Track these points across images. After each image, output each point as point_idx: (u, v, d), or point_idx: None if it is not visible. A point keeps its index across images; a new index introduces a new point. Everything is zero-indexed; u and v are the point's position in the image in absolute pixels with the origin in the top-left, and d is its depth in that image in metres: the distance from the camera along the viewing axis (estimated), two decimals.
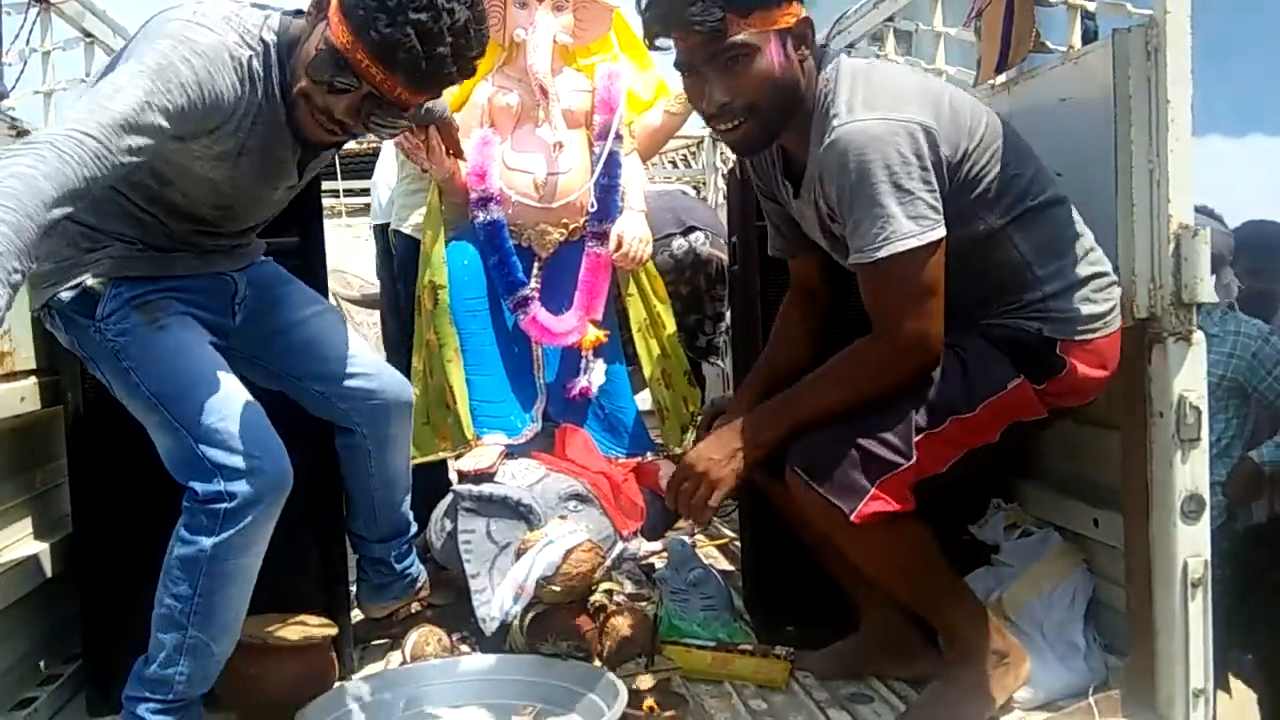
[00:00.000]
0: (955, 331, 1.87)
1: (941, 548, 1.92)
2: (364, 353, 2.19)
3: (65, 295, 1.86)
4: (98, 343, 1.87)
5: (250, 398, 1.89)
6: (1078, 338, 1.87)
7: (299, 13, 1.85)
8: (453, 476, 2.71)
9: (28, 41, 2.41)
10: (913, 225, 1.76)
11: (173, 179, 1.84)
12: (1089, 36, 2.20)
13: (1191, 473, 1.84)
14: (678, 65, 1.91)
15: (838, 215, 1.86)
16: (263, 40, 1.79)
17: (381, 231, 3.24)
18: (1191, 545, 1.84)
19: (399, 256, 2.96)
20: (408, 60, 1.67)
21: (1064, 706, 1.94)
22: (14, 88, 2.30)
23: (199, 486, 1.80)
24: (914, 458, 1.83)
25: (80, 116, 1.54)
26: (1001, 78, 2.40)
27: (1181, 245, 1.83)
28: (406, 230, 2.88)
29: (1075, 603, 2.06)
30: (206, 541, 1.79)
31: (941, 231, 1.78)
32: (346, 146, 2.36)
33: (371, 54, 1.68)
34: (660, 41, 1.90)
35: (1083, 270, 1.89)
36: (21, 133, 2.25)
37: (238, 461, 1.80)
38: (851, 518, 1.81)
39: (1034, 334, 1.87)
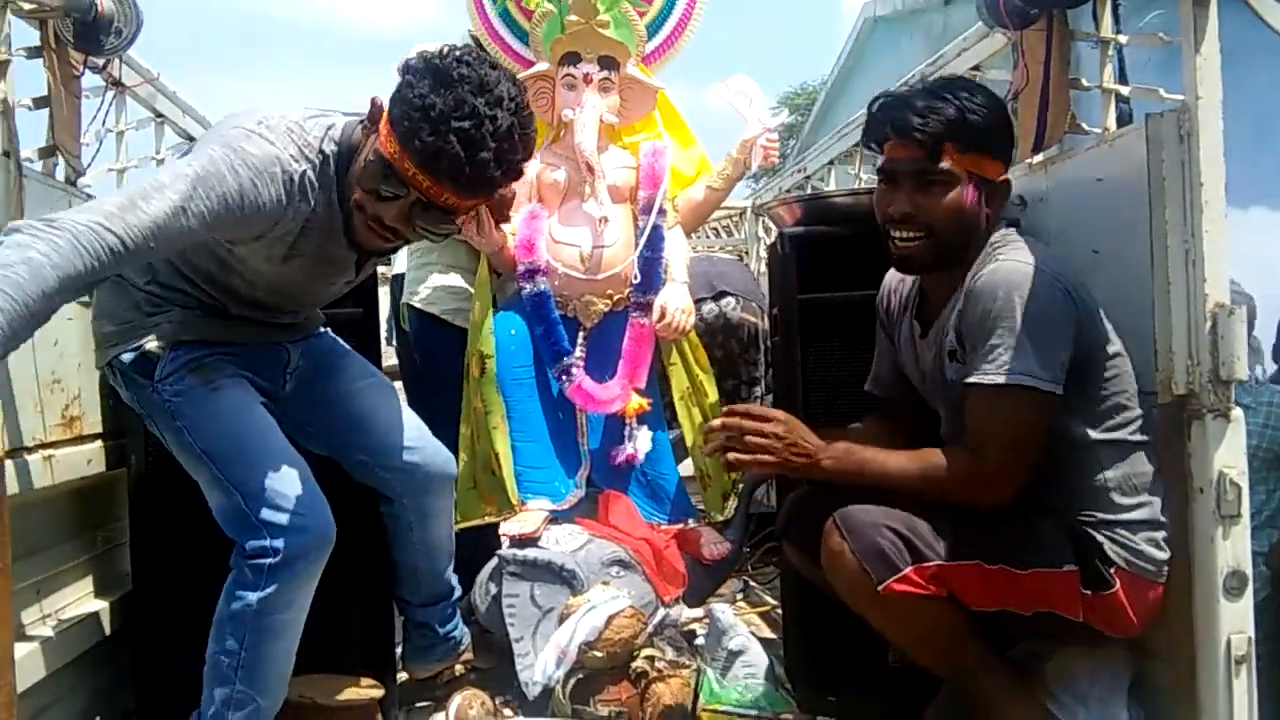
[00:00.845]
0: (1031, 503, 1.91)
1: (973, 623, 1.92)
2: (411, 426, 2.24)
3: (126, 357, 1.96)
4: (155, 402, 1.96)
5: (297, 457, 1.97)
6: (1136, 571, 1.90)
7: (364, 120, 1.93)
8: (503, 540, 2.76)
9: (104, 123, 2.54)
10: (1042, 370, 1.83)
11: (234, 266, 1.94)
12: (1123, 119, 2.25)
13: (1233, 549, 1.84)
14: (881, 169, 2.01)
15: (967, 342, 1.91)
16: (322, 152, 1.86)
17: (394, 305, 3.34)
18: (1235, 622, 1.83)
19: (412, 331, 3.04)
20: (452, 167, 1.72)
21: None
22: (90, 166, 2.42)
23: (247, 542, 1.88)
24: (953, 568, 1.86)
25: (113, 209, 1.59)
26: (1039, 157, 2.45)
27: (1218, 323, 1.85)
28: (418, 305, 2.95)
29: (1118, 679, 2.05)
30: (252, 597, 1.86)
31: (1058, 391, 1.84)
32: None
33: (417, 162, 1.74)
34: (876, 144, 2.00)
35: (1153, 514, 1.93)
36: None
37: (283, 519, 1.88)
38: (878, 588, 1.84)
39: (1098, 546, 1.90)
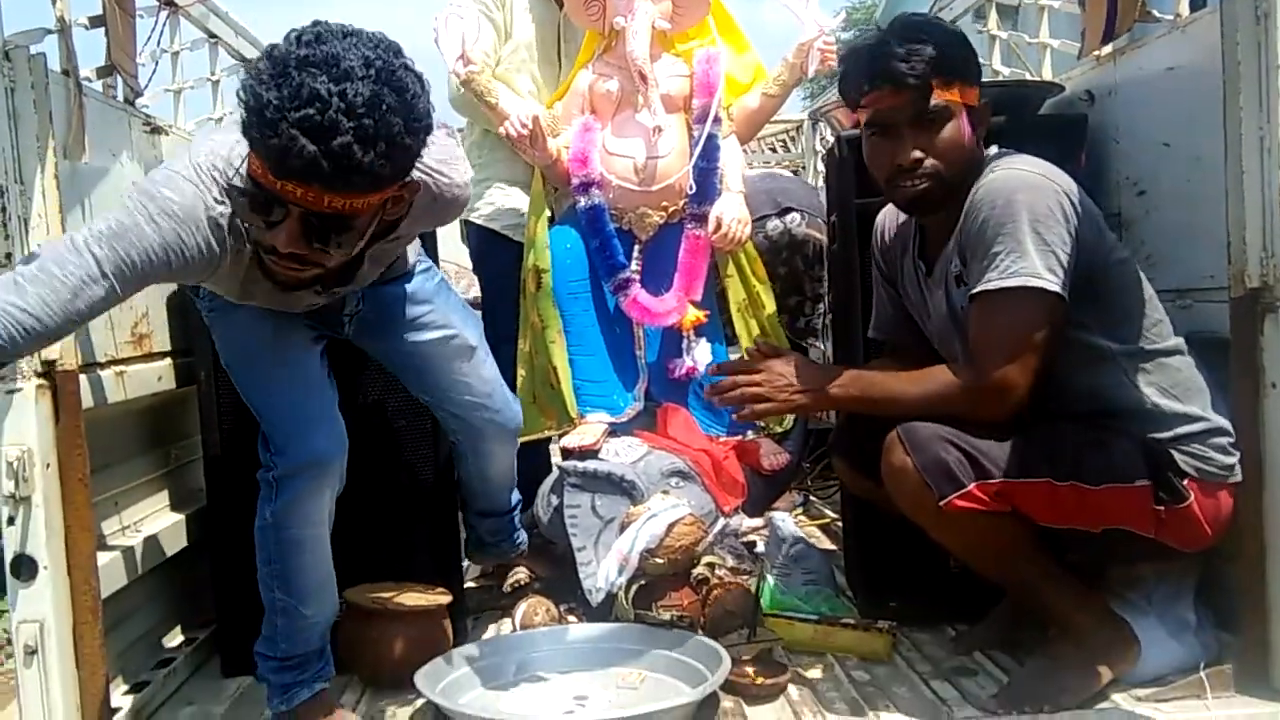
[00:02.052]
0: (1089, 410, 1.89)
1: (1036, 537, 1.90)
2: (479, 382, 2.20)
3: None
4: (203, 318, 2.04)
5: (305, 374, 1.99)
6: (1206, 478, 1.86)
7: None
8: (554, 456, 2.79)
9: (159, 43, 2.55)
10: (1044, 270, 1.79)
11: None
12: (1197, 4, 2.16)
13: None
14: (870, 123, 1.97)
15: (969, 257, 1.88)
16: (237, 188, 1.60)
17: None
18: None
19: (472, 246, 3.04)
20: (307, 164, 1.43)
21: (1174, 682, 1.91)
22: (147, 86, 2.44)
23: (260, 454, 1.95)
24: (1020, 485, 1.84)
25: (22, 281, 1.48)
26: (1108, 48, 2.37)
27: None
28: (478, 221, 2.95)
29: (1185, 579, 2.02)
30: (268, 512, 1.94)
31: (1063, 296, 1.80)
32: None
33: (273, 170, 1.47)
34: (863, 100, 1.96)
35: (1212, 422, 1.89)
36: (156, 129, 2.40)
37: (279, 438, 1.93)
38: (940, 503, 1.83)
39: (1170, 459, 1.87)
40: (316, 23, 1.52)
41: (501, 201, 2.93)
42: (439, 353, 2.14)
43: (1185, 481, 1.85)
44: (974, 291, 1.85)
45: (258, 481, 1.96)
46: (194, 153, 1.66)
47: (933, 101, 1.89)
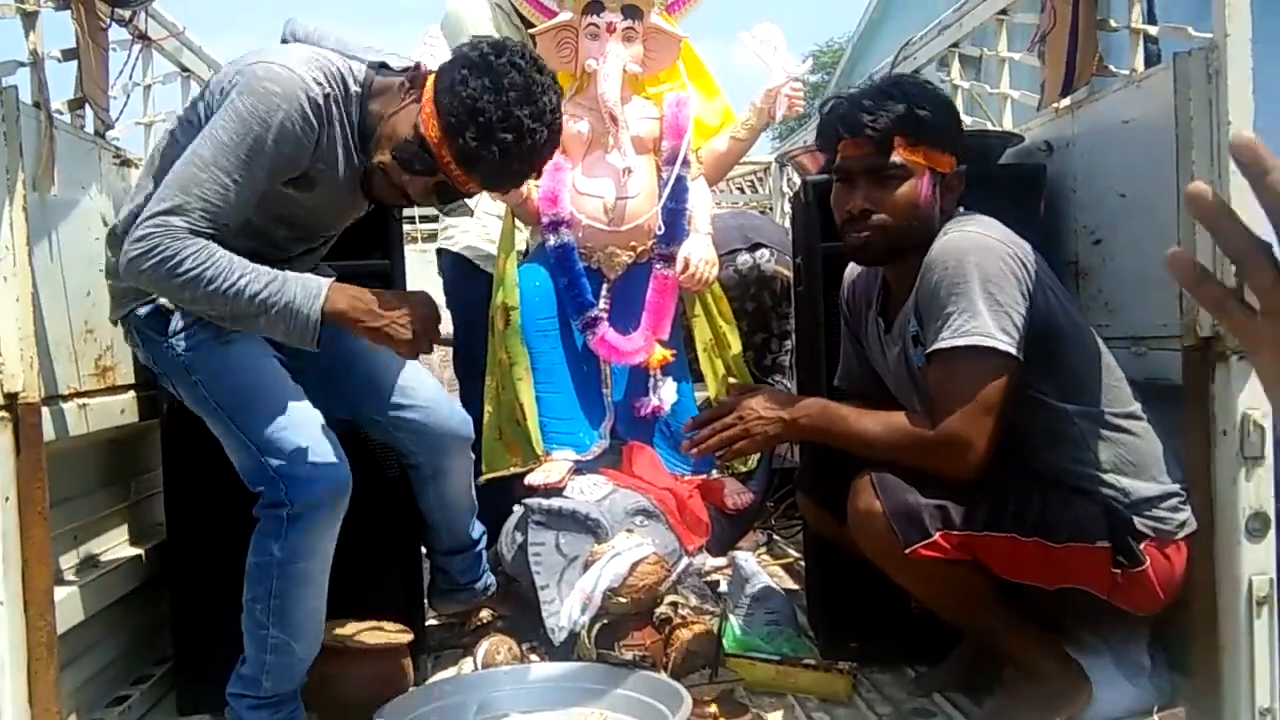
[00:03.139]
0: (1047, 471, 1.93)
1: (997, 585, 1.93)
2: (424, 387, 2.27)
3: (141, 311, 1.99)
4: (169, 358, 1.99)
5: (310, 409, 1.99)
6: (1162, 537, 1.90)
7: (383, 66, 1.95)
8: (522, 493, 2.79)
9: (130, 76, 2.56)
10: (997, 331, 1.83)
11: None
12: (1152, 60, 2.22)
13: (1256, 491, 1.84)
14: (836, 170, 2.04)
15: (924, 317, 1.92)
16: (345, 85, 1.90)
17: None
18: (1257, 563, 1.83)
19: (446, 274, 3.07)
20: (488, 169, 1.85)
21: None
22: (118, 119, 2.44)
23: (265, 493, 1.93)
24: (983, 539, 1.87)
25: (166, 210, 1.74)
26: (1066, 101, 2.43)
27: None
28: (455, 249, 2.98)
29: (1139, 621, 2.05)
30: (275, 546, 1.92)
31: (1017, 356, 1.83)
32: None
33: (456, 157, 1.83)
34: (829, 145, 2.05)
35: (1167, 487, 1.93)
36: (125, 161, 2.40)
37: (295, 470, 1.91)
38: (905, 550, 1.85)
39: (1127, 521, 1.90)
40: (520, 45, 1.90)
41: (477, 231, 2.97)
42: (383, 359, 2.18)
43: (1143, 545, 1.88)
44: (929, 350, 1.89)
45: (257, 518, 1.94)
46: (268, 57, 1.85)
47: (892, 158, 1.94)
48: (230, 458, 1.98)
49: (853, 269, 2.24)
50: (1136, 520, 1.89)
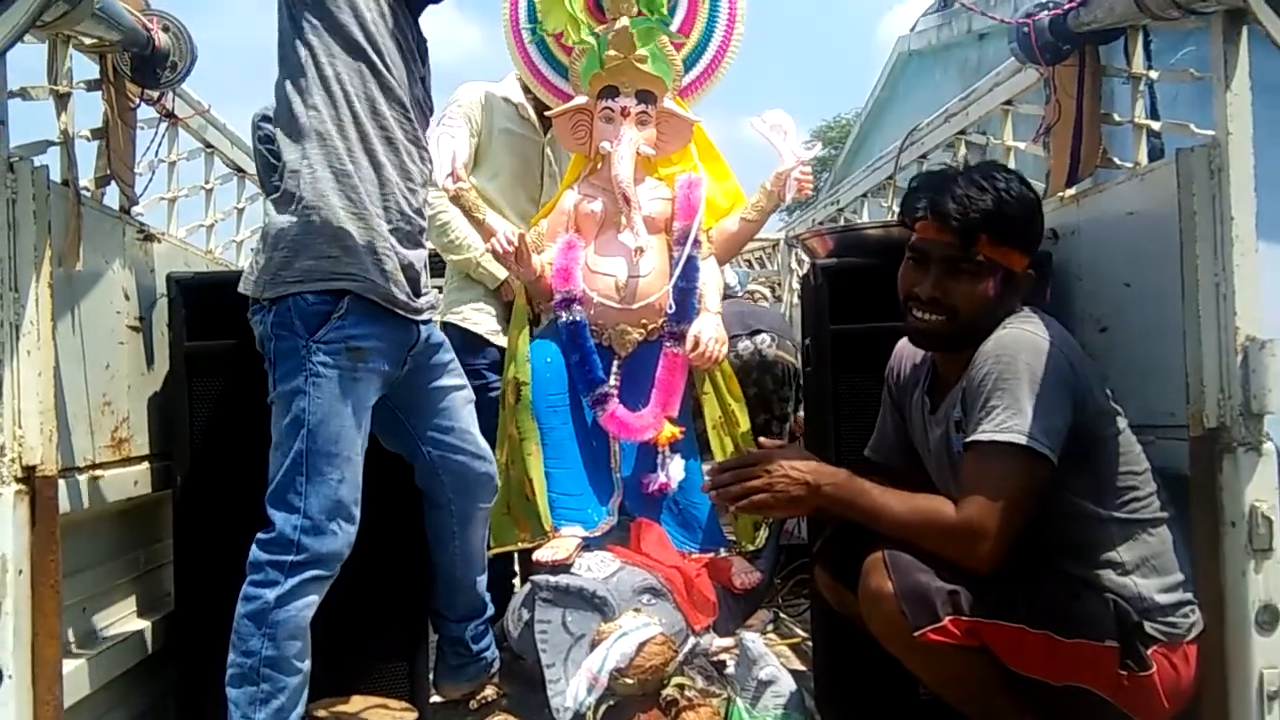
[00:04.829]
0: (1069, 568, 1.92)
1: (1005, 672, 1.91)
2: (477, 434, 2.35)
3: (309, 298, 1.98)
4: (298, 357, 1.98)
5: (360, 475, 2.03)
6: (1171, 641, 1.89)
7: None
8: (518, 568, 2.80)
9: (156, 153, 2.62)
10: (1038, 432, 1.83)
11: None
12: (1155, 153, 2.27)
13: (1265, 583, 1.83)
14: (911, 247, 2.02)
15: (968, 406, 1.92)
16: None
17: None
18: (1267, 656, 1.82)
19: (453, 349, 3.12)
20: None
21: None
22: (143, 195, 2.50)
23: (278, 519, 1.96)
24: (993, 627, 1.86)
25: None
26: (1072, 190, 2.48)
27: (1249, 357, 1.86)
28: (454, 320, 3.04)
29: None
30: (270, 594, 1.94)
31: (1052, 460, 1.84)
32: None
33: None
34: (913, 223, 2.01)
35: (1183, 595, 1.92)
36: (149, 237, 2.45)
37: (322, 522, 1.96)
38: (914, 633, 1.84)
39: (1138, 625, 1.89)
40: None
41: (484, 305, 3.02)
42: (458, 398, 2.29)
43: (1151, 650, 1.87)
44: (967, 440, 1.90)
45: (255, 564, 1.95)
46: None
47: (972, 252, 1.93)
48: (273, 467, 1.99)
49: (903, 345, 2.25)
50: (1147, 624, 1.88)
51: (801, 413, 3.39)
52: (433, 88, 2.26)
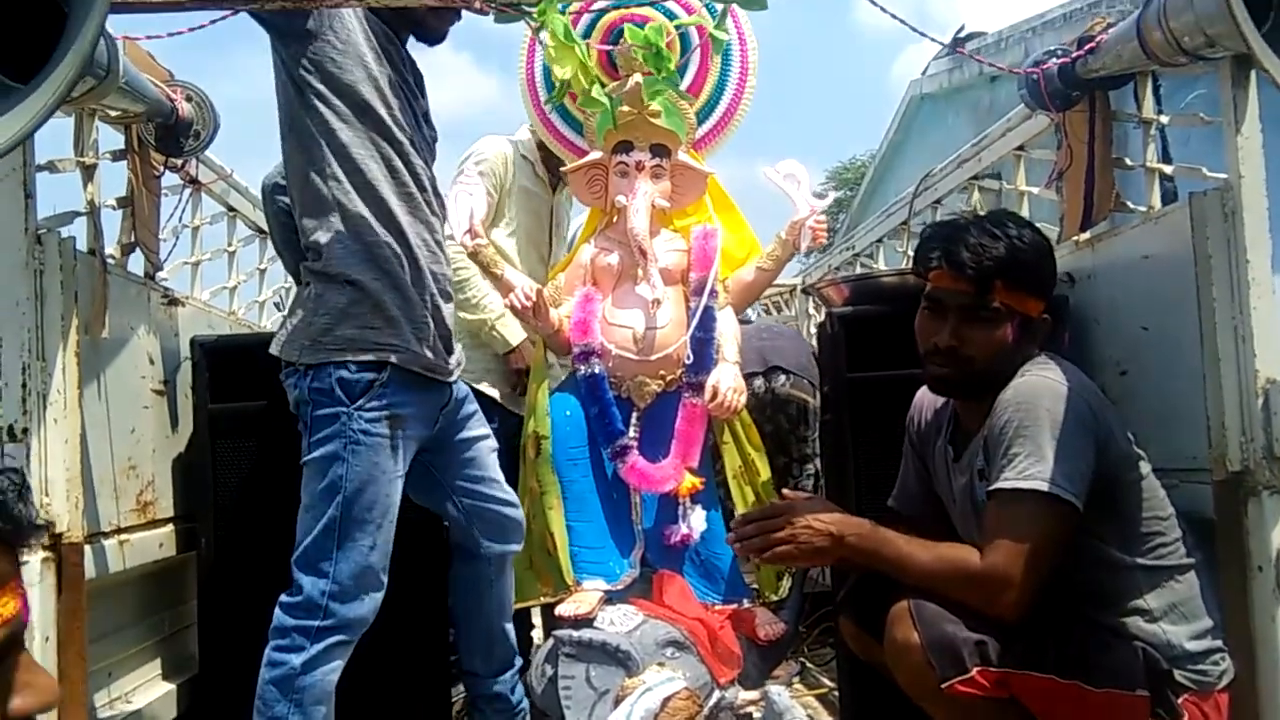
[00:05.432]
0: (1096, 617, 1.91)
1: None
2: (503, 481, 2.38)
3: (352, 367, 1.99)
4: (339, 425, 1.98)
5: (390, 544, 2.04)
6: (1201, 689, 1.86)
7: None
8: (536, 620, 2.79)
9: (180, 219, 2.67)
10: (1060, 478, 1.82)
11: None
12: (1168, 196, 2.28)
13: None
14: (927, 296, 2.02)
15: (991, 453, 1.92)
16: None
17: None
18: None
19: None
20: None
21: None
22: (167, 260, 2.54)
23: (305, 583, 1.95)
24: (1022, 678, 1.84)
25: None
26: (1086, 234, 2.48)
27: (1270, 399, 1.85)
28: (474, 386, 3.06)
29: None
30: (296, 660, 1.93)
31: (1077, 506, 1.83)
32: None
33: None
34: (924, 269, 2.02)
35: (1213, 642, 1.90)
36: (173, 301, 2.50)
37: (351, 587, 1.96)
38: (941, 685, 1.83)
39: (1168, 673, 1.87)
40: None
41: (493, 367, 3.05)
42: (484, 448, 2.32)
43: (1181, 699, 1.84)
44: (990, 488, 1.89)
45: (280, 629, 1.95)
46: None
47: (988, 299, 1.94)
48: (301, 527, 1.99)
49: (924, 393, 2.24)
50: (1177, 672, 1.86)
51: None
52: (448, 136, 2.29)
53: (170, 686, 2.38)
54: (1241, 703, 1.87)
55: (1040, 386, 1.90)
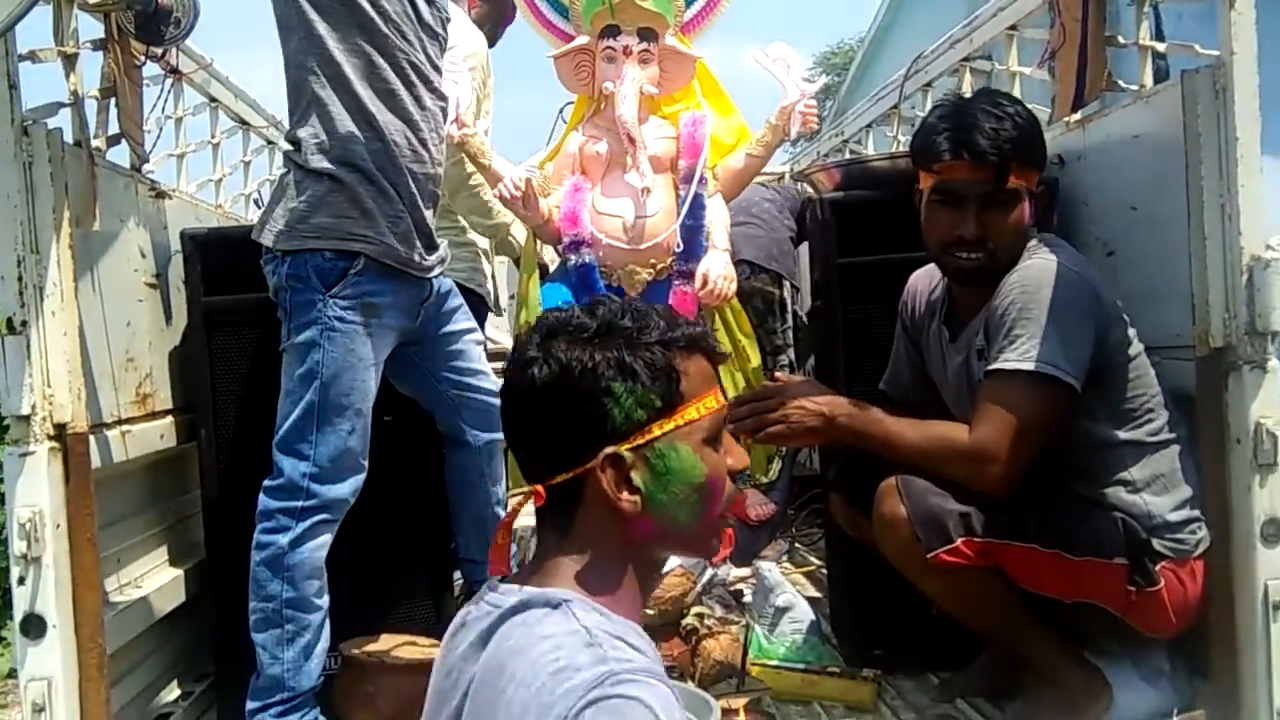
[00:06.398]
0: (1080, 489, 1.96)
1: (1016, 590, 1.97)
2: (490, 371, 2.41)
3: (327, 254, 2.01)
4: (314, 312, 2.01)
5: (369, 424, 2.08)
6: (1179, 557, 1.93)
7: None
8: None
9: (163, 110, 2.63)
10: (1061, 359, 1.85)
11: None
12: (1160, 75, 2.26)
13: (1270, 497, 1.87)
14: (941, 192, 2.00)
15: (992, 334, 1.94)
16: None
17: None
18: (1272, 568, 1.87)
19: None
20: None
21: None
22: (151, 152, 2.51)
23: (286, 466, 2.01)
24: (1005, 547, 1.90)
25: None
26: (1077, 115, 2.47)
27: (1254, 276, 1.88)
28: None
29: None
30: (283, 539, 2.00)
31: (1075, 387, 1.86)
32: None
33: None
34: (939, 165, 1.99)
35: (1190, 512, 1.96)
36: (161, 194, 2.48)
37: (330, 469, 2.01)
38: (928, 555, 1.89)
39: (1146, 542, 1.93)
40: None
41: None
42: (469, 340, 2.36)
43: (1159, 566, 1.92)
44: (990, 368, 1.92)
45: (266, 512, 2.01)
46: None
47: (1004, 182, 1.94)
48: (281, 411, 2.04)
49: (917, 277, 2.26)
50: (1155, 541, 1.93)
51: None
52: None
53: (178, 572, 2.44)
54: (1216, 570, 1.94)
55: (1046, 269, 1.92)
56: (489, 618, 1.06)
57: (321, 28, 1.97)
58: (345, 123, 2.00)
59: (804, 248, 3.42)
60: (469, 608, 1.13)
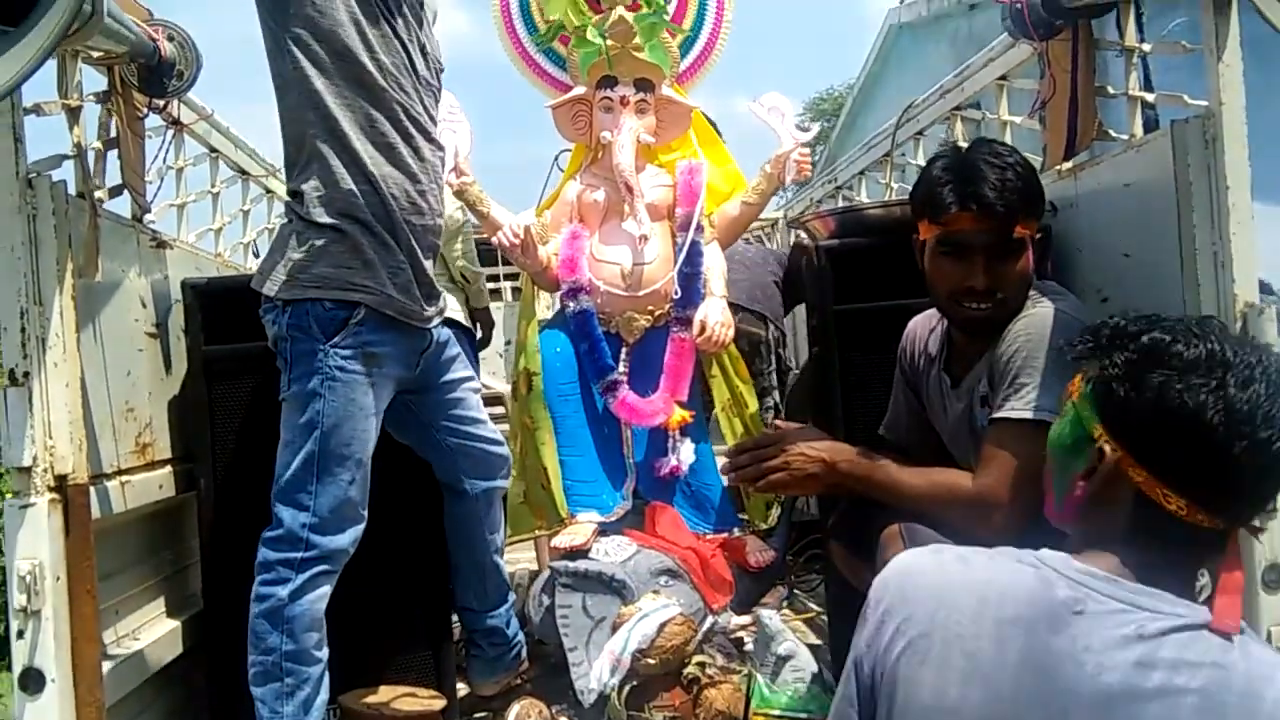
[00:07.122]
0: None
1: None
2: (488, 419, 2.43)
3: (327, 304, 2.01)
4: (316, 362, 2.01)
5: (369, 479, 2.07)
6: None
7: None
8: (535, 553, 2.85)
9: (164, 161, 2.65)
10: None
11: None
12: (1150, 124, 2.30)
13: (1271, 543, 1.87)
14: (949, 242, 1.99)
15: (998, 380, 1.95)
16: None
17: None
18: (1274, 614, 1.87)
19: None
20: None
21: None
22: (153, 202, 2.53)
23: (285, 516, 2.00)
24: None
25: None
26: (1069, 163, 2.50)
27: (1248, 323, 1.90)
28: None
29: None
30: (282, 591, 1.99)
31: None
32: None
33: None
34: (945, 217, 1.98)
35: None
36: (161, 244, 2.49)
37: (330, 520, 2.01)
38: None
39: None
40: None
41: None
42: (467, 389, 2.37)
43: None
44: (995, 415, 1.93)
45: (265, 564, 2.00)
46: None
47: (1010, 233, 1.95)
48: (280, 461, 2.03)
49: (915, 323, 2.27)
50: None
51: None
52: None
53: (175, 623, 2.42)
54: None
55: (1046, 318, 1.93)
56: None
57: (319, 83, 1.99)
58: (345, 179, 2.01)
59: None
60: None
